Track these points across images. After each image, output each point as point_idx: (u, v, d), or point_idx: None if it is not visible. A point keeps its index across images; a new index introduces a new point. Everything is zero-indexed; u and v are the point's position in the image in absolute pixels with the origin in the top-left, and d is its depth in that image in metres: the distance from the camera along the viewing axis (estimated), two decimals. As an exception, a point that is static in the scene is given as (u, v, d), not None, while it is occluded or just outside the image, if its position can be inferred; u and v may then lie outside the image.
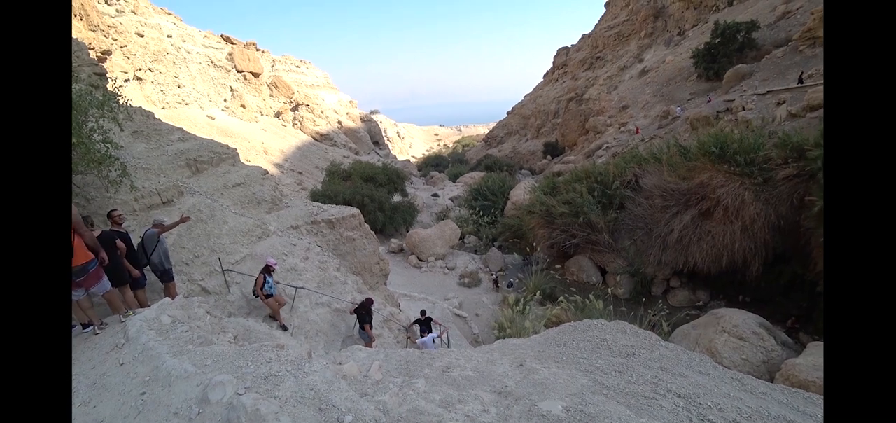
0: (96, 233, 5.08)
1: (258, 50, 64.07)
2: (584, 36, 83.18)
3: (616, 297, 15.84)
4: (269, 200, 10.90)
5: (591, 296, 14.07)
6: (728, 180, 14.75)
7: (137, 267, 5.70)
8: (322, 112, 65.73)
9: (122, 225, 5.80)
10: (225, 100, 54.08)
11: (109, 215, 5.61)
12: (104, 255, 4.75)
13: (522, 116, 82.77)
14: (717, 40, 39.58)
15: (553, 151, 58.87)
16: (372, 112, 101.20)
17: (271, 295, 7.56)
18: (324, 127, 63.48)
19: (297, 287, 8.39)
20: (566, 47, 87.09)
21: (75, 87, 6.50)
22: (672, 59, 50.10)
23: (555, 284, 17.99)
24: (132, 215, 7.27)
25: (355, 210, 12.76)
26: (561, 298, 14.69)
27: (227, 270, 7.82)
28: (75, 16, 31.61)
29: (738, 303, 14.30)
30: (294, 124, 61.39)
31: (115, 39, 38.67)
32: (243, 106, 54.72)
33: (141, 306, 5.54)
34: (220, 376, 3.01)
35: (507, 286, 19.87)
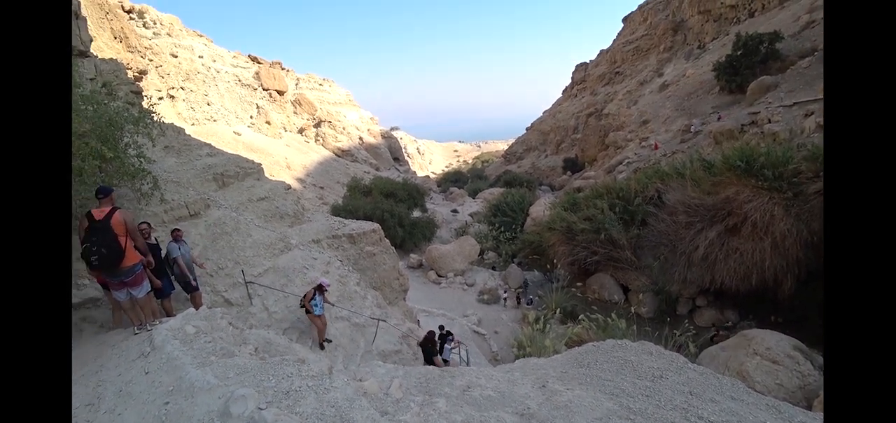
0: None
1: (283, 69, 65.98)
2: (602, 52, 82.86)
3: (639, 316, 15.42)
4: (292, 214, 11.07)
5: (614, 315, 13.73)
6: (756, 195, 14.31)
7: (161, 278, 5.86)
8: (344, 128, 66.97)
9: (151, 237, 5.98)
10: (251, 117, 55.66)
11: (140, 227, 5.79)
12: (151, 259, 5.13)
13: (542, 132, 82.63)
14: (739, 52, 38.75)
15: (573, 166, 58.48)
16: (392, 129, 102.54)
17: (317, 314, 7.64)
18: (345, 143, 64.59)
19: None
20: (585, 63, 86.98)
21: (113, 104, 6.78)
22: (693, 72, 49.33)
23: (575, 302, 17.65)
24: (161, 226, 7.46)
25: (376, 225, 12.81)
26: (582, 316, 14.39)
27: (250, 282, 7.92)
28: (115, 38, 33.34)
29: (770, 324, 13.70)
30: (316, 140, 62.64)
31: (151, 60, 40.43)
32: (268, 122, 56.18)
33: (167, 315, 5.69)
34: (241, 389, 3.01)
35: (527, 304, 19.59)
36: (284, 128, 59.41)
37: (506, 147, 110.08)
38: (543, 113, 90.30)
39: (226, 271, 7.98)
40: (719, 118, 33.54)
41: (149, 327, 4.76)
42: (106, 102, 6.41)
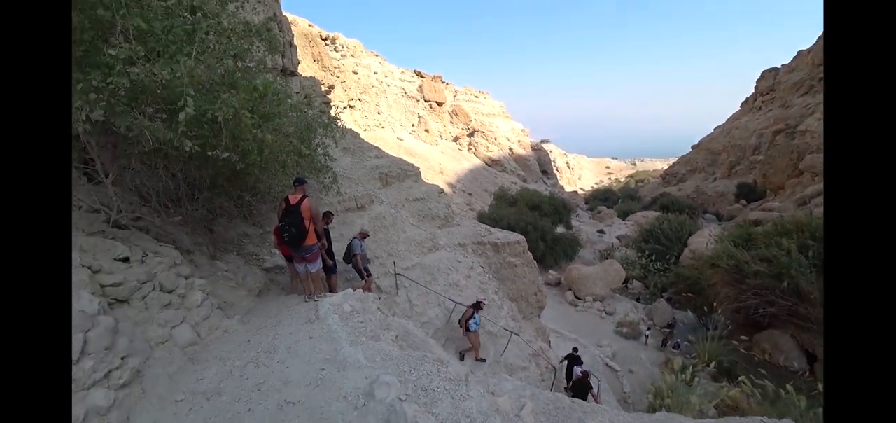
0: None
1: (443, 83, 71.42)
2: (800, 53, 66.17)
3: (830, 395, 12.21)
4: (442, 216, 11.88)
5: (790, 386, 10.99)
6: None
7: (331, 260, 6.95)
8: (495, 139, 69.29)
9: (330, 223, 7.18)
10: (412, 125, 61.70)
11: (325, 215, 6.99)
12: (325, 242, 6.19)
13: (711, 151, 71.66)
14: None
15: (750, 194, 49.09)
16: (542, 141, 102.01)
17: (473, 331, 8.16)
18: (496, 153, 66.76)
19: (456, 302, 8.90)
20: (774, 68, 70.57)
21: (310, 112, 8.26)
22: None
23: (736, 358, 14.64)
24: (335, 215, 8.81)
25: (520, 237, 12.83)
26: (743, 378, 11.87)
27: (399, 274, 8.77)
28: (314, 61, 41.76)
29: None
30: (469, 149, 66.11)
31: (338, 77, 48.43)
32: (427, 130, 61.47)
33: (331, 291, 6.72)
34: (386, 376, 3.32)
35: (674, 347, 17.29)
36: (441, 136, 64.16)
37: (665, 167, 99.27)
38: (714, 129, 77.90)
39: (380, 260, 8.99)
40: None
41: (316, 298, 5.64)
42: (306, 110, 7.82)
